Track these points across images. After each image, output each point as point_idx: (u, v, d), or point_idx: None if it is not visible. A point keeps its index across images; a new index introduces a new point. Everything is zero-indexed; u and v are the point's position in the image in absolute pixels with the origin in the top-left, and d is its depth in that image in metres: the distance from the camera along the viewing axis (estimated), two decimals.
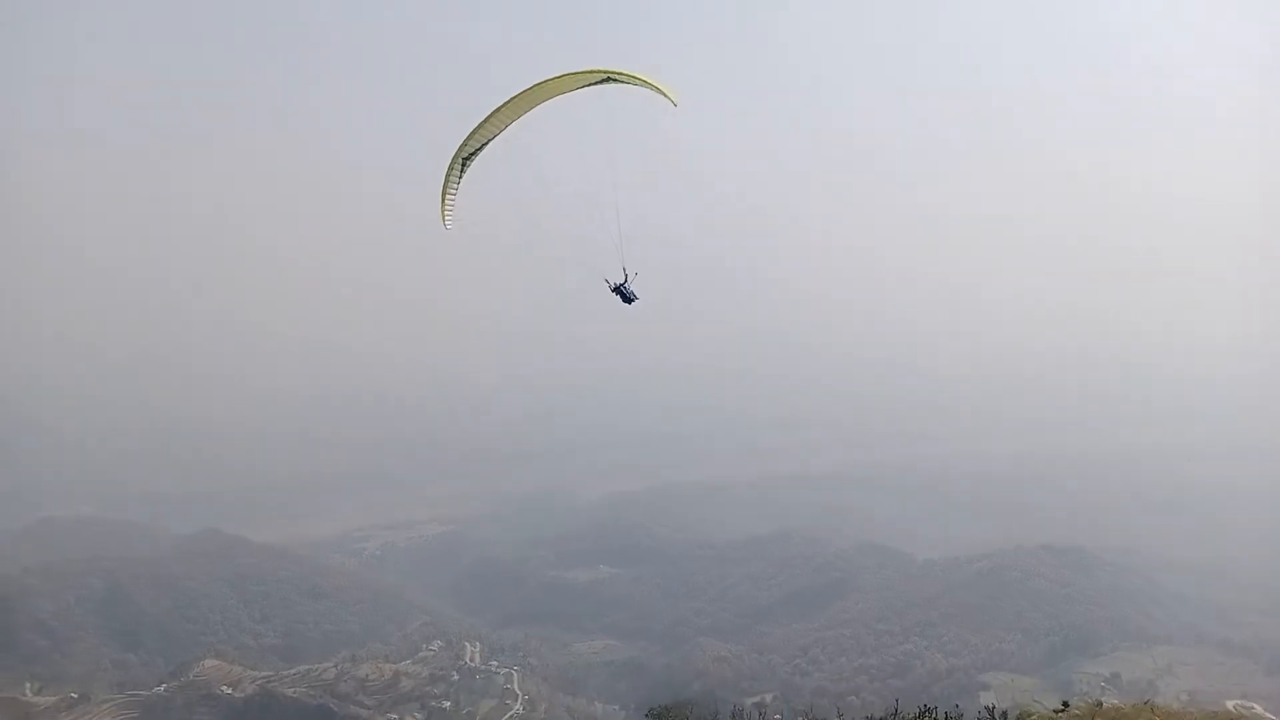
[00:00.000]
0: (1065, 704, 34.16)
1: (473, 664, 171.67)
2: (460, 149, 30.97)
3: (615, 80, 29.86)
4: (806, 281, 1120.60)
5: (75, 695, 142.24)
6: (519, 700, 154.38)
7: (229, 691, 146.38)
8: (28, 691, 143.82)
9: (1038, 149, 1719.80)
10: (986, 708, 43.21)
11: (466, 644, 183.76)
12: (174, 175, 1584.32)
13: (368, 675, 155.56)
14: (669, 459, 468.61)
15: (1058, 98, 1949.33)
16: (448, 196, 31.87)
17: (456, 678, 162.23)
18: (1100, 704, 33.99)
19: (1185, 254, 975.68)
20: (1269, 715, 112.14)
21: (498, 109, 29.93)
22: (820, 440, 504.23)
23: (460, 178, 31.81)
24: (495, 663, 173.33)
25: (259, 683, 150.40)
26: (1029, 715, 34.94)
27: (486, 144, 31.33)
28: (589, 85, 29.65)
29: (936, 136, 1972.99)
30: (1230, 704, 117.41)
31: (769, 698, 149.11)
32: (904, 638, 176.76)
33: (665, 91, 30.15)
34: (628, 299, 36.22)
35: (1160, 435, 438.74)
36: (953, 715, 38.80)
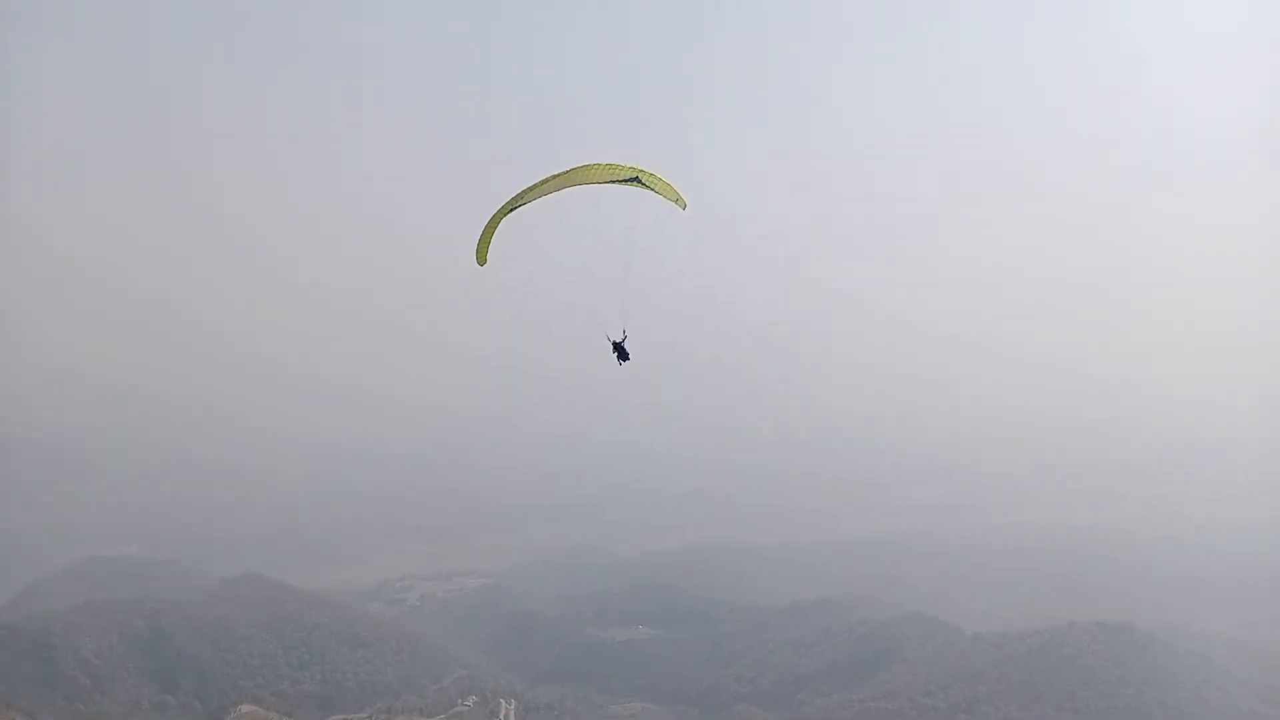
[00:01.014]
0: None
1: None
2: (502, 206, 33.89)
3: (640, 183, 33.65)
4: (853, 345, 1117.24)
5: None
6: None
7: None
8: None
9: (1085, 206, 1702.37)
10: None
11: (502, 700, 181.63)
12: (217, 216, 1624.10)
13: None
14: (709, 519, 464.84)
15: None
16: (489, 240, 34.85)
17: None
18: None
19: (1243, 324, 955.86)
20: None
21: (534, 185, 33.36)
22: (866, 505, 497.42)
23: (495, 227, 34.61)
24: None
25: None
26: None
27: (522, 205, 34.13)
28: (617, 182, 33.33)
29: (973, 190, 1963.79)
30: None
31: None
32: (950, 714, 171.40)
33: (679, 197, 34.36)
34: (624, 356, 39.61)
35: (1219, 510, 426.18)
36: None
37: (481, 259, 35.46)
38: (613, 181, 33.12)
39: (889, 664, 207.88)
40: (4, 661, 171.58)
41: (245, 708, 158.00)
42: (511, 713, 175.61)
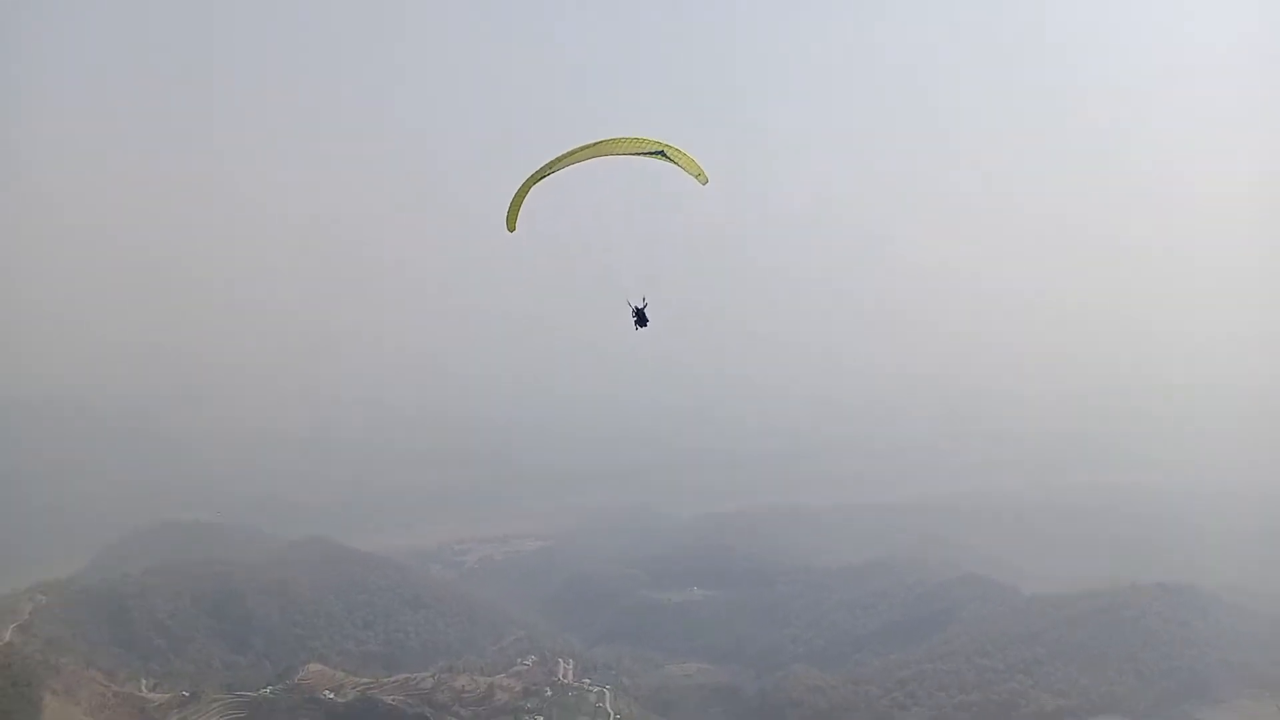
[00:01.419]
0: None
1: (565, 681, 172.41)
2: (532, 175, 35.12)
3: (665, 156, 34.86)
4: (912, 306, 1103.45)
5: (187, 694, 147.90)
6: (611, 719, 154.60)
7: (331, 696, 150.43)
8: (143, 688, 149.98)
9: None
10: None
11: (560, 660, 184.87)
12: (279, 190, 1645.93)
13: (464, 687, 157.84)
14: (764, 481, 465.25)
15: None
16: (519, 207, 36.29)
17: (549, 694, 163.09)
18: None
19: None
20: None
21: (564, 155, 34.57)
22: (921, 467, 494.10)
23: (526, 194, 35.96)
24: (588, 680, 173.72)
25: (360, 689, 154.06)
26: None
27: (551, 174, 35.43)
28: (644, 154, 34.59)
29: (1040, 160, 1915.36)
30: None
31: None
32: (1008, 675, 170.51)
33: (701, 171, 35.49)
34: (643, 323, 40.34)
35: None
36: None
37: (511, 225, 36.84)
38: (639, 154, 34.17)
39: (945, 625, 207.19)
40: (83, 623, 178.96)
41: (313, 667, 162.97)
42: (570, 672, 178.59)
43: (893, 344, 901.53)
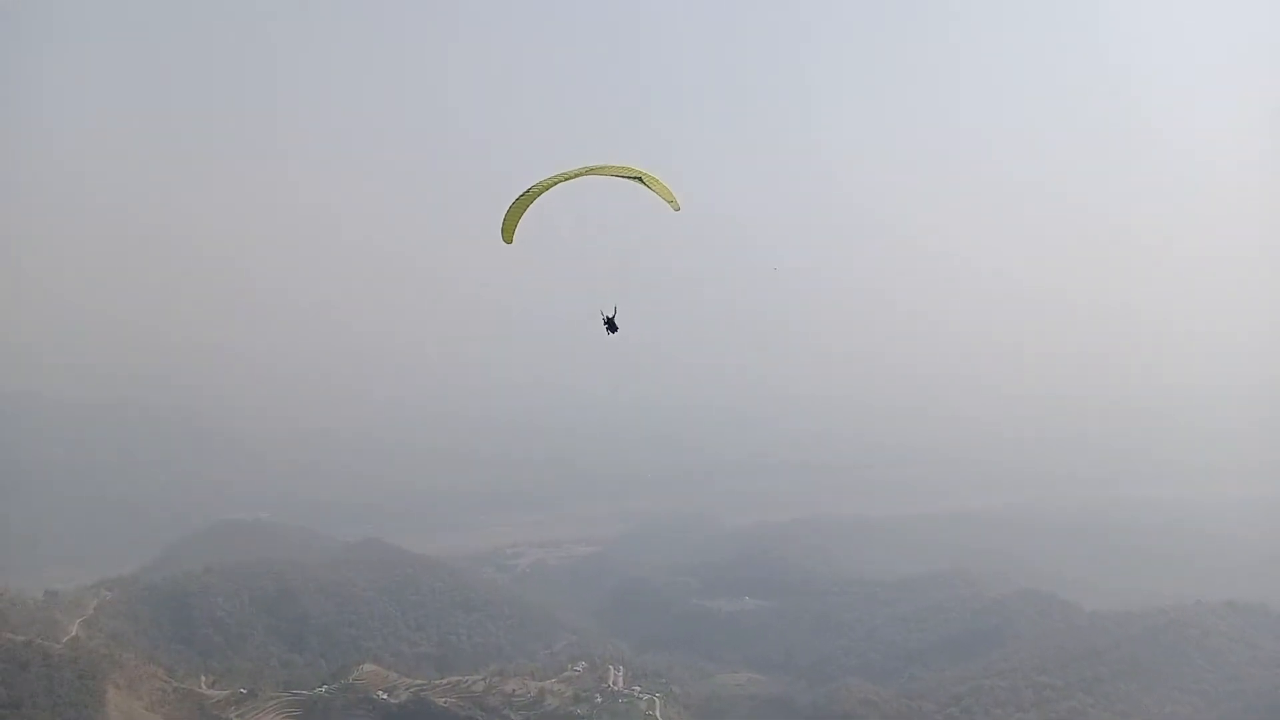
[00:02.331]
0: None
1: (616, 687, 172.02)
2: (528, 191, 37.99)
3: (642, 182, 37.90)
4: (969, 314, 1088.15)
5: (244, 690, 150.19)
6: None
7: (385, 697, 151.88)
8: (203, 684, 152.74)
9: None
10: None
11: (610, 667, 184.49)
12: (337, 199, 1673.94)
13: (514, 690, 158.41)
14: (818, 491, 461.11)
15: None
16: (516, 221, 38.82)
17: (599, 700, 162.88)
18: None
19: None
20: None
21: (557, 175, 37.71)
22: (979, 478, 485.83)
23: (524, 210, 38.65)
24: (638, 688, 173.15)
25: (413, 690, 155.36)
26: None
27: (545, 191, 38.21)
28: (624, 178, 37.60)
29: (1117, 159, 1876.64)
30: None
31: None
32: (1068, 693, 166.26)
33: (673, 199, 38.50)
34: (613, 329, 43.49)
35: None
36: None
37: (508, 238, 39.50)
38: (621, 177, 37.62)
39: (1003, 641, 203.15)
40: (145, 619, 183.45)
41: (367, 667, 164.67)
42: (620, 679, 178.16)
43: (949, 352, 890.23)
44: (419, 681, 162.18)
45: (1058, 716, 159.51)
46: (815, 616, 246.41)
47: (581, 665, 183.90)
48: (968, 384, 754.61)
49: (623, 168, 37.45)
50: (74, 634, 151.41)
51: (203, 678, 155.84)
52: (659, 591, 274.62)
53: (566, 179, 37.25)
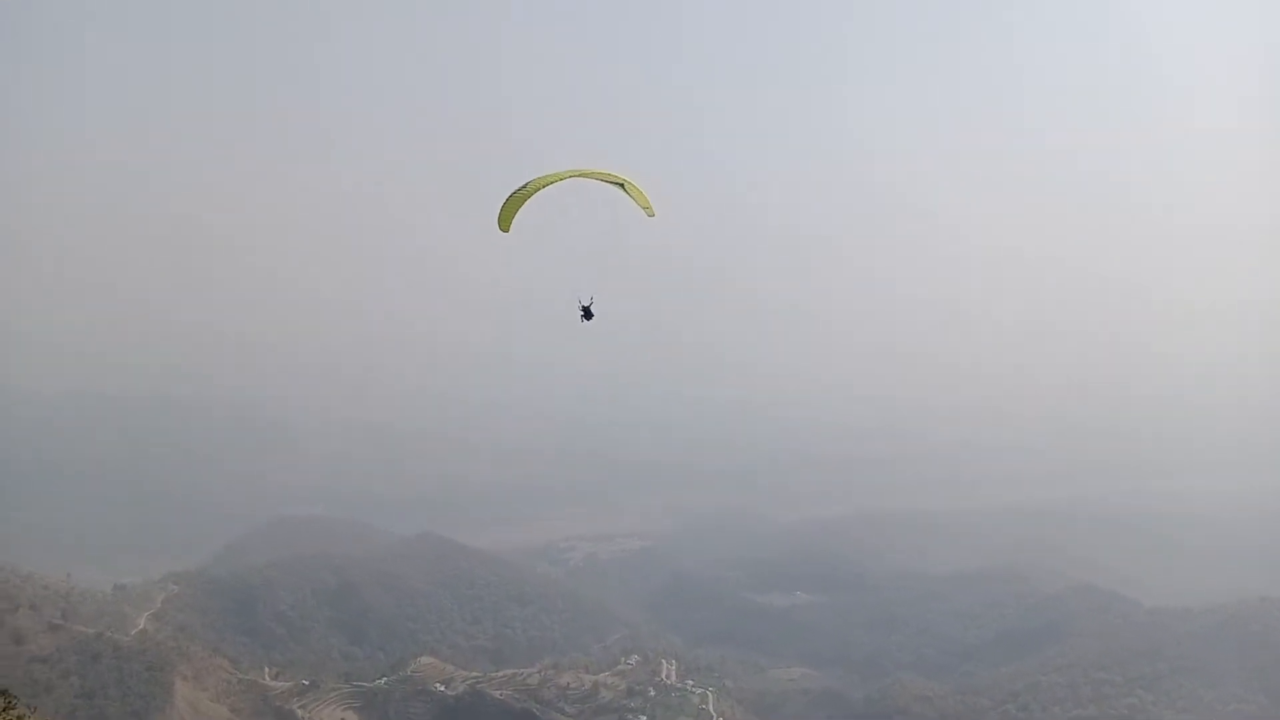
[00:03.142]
0: None
1: (669, 681, 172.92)
2: (525, 187, 40.36)
3: (624, 189, 40.19)
4: (1023, 305, 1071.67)
5: (306, 682, 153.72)
6: None
7: (442, 689, 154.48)
8: (266, 675, 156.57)
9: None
10: None
11: (663, 660, 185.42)
12: (388, 201, 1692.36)
13: (569, 684, 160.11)
14: (870, 485, 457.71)
15: None
16: (513, 214, 40.97)
17: (653, 694, 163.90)
18: None
19: None
20: None
21: (551, 174, 40.19)
22: (1035, 472, 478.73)
23: (520, 205, 40.88)
24: (691, 682, 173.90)
25: (469, 682, 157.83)
26: None
27: (541, 189, 40.56)
28: (608, 183, 40.02)
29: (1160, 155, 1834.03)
30: None
31: None
32: (1127, 690, 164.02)
33: (649, 206, 40.34)
34: (588, 316, 44.80)
35: None
36: None
37: (505, 227, 41.55)
38: (607, 181, 40.21)
39: (1060, 637, 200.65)
40: (211, 611, 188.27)
41: (424, 659, 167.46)
42: (672, 672, 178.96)
43: (1002, 344, 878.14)
44: (475, 674, 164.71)
45: (1117, 714, 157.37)
46: (869, 611, 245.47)
47: (634, 659, 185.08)
48: (1023, 376, 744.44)
49: (608, 174, 39.95)
50: (142, 627, 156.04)
51: (266, 669, 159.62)
52: (710, 586, 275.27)
53: (559, 179, 39.73)
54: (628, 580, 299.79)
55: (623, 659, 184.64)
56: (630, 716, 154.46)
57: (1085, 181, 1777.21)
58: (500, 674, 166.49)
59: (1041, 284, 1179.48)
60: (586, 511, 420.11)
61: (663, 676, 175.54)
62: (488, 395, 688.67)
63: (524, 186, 40.21)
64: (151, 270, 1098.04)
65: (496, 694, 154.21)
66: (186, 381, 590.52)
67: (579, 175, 40.20)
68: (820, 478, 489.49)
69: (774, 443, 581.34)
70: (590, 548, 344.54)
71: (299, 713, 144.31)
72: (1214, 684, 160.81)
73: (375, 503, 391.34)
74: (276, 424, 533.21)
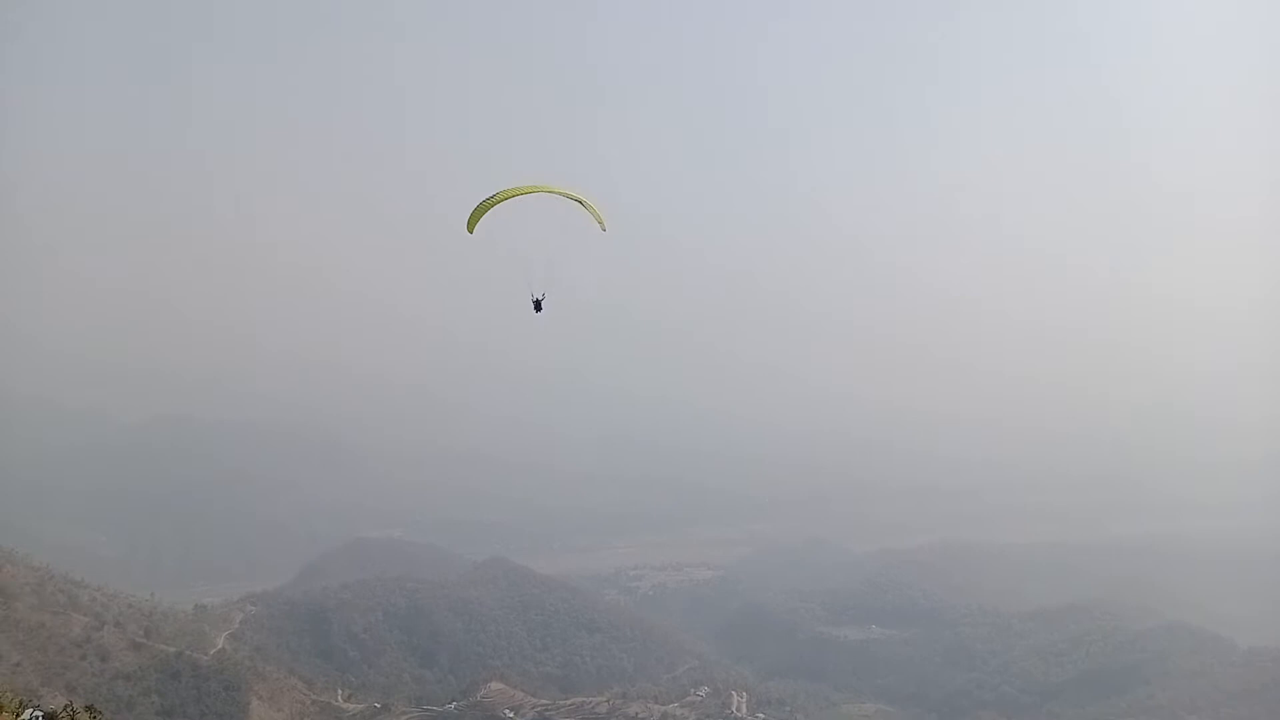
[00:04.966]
0: None
1: (739, 714, 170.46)
2: (493, 196, 43.18)
3: (582, 204, 43.74)
4: (1114, 331, 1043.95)
5: (378, 705, 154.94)
6: None
7: (511, 715, 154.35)
8: (339, 698, 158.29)
9: None
10: None
11: (734, 693, 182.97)
12: (442, 205, 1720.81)
13: (637, 713, 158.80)
14: (948, 516, 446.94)
15: None
16: (478, 218, 43.86)
17: None
18: None
19: None
20: None
21: (520, 187, 43.33)
22: (1122, 504, 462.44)
23: (486, 210, 43.74)
24: (762, 715, 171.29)
25: (538, 709, 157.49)
26: None
27: (509, 199, 43.47)
28: (567, 199, 43.58)
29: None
30: None
31: None
32: None
33: (601, 220, 43.80)
34: (538, 309, 47.12)
35: None
36: None
37: (471, 229, 44.41)
38: (568, 198, 43.83)
39: (1149, 677, 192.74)
40: (286, 632, 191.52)
41: (494, 685, 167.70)
42: (743, 705, 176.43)
43: (1087, 368, 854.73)
44: (544, 701, 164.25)
45: None
46: (947, 647, 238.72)
47: (704, 690, 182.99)
48: (1109, 403, 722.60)
49: (568, 191, 43.73)
50: (220, 646, 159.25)
51: (339, 691, 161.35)
52: (782, 617, 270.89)
53: (524, 193, 43.04)
54: (697, 610, 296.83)
55: (692, 690, 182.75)
56: None
57: (1202, 193, 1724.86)
58: (569, 702, 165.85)
59: (1142, 311, 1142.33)
60: (656, 539, 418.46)
61: (733, 709, 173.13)
62: (562, 421, 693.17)
63: (492, 195, 43.40)
64: (240, 298, 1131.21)
65: None
66: (272, 407, 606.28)
67: (543, 191, 43.39)
68: (897, 508, 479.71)
69: (850, 471, 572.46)
70: (659, 576, 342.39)
71: None
72: None
73: (451, 527, 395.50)
74: (360, 449, 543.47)
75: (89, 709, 50.54)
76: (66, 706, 48.46)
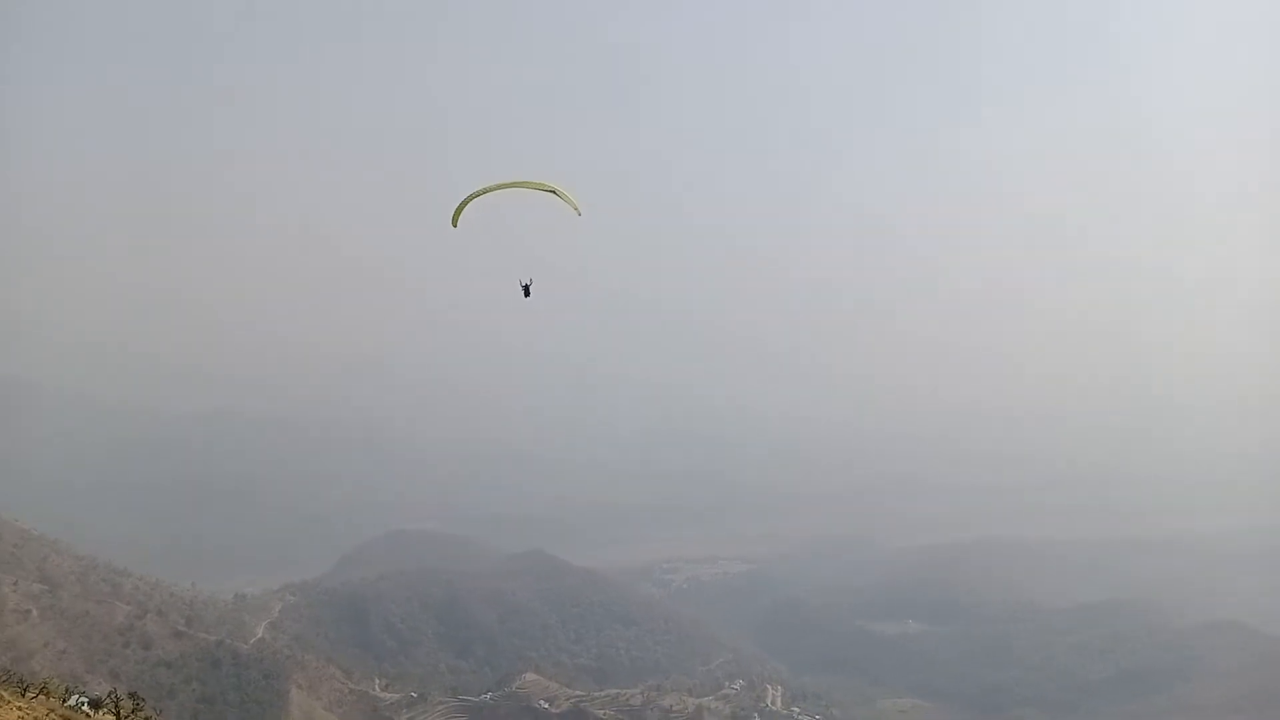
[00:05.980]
0: None
1: (774, 707, 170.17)
2: (475, 192, 44.34)
3: (556, 194, 44.71)
4: (1157, 326, 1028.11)
5: (415, 695, 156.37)
6: None
7: (546, 706, 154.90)
8: (376, 687, 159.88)
9: None
10: None
11: (768, 686, 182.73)
12: (520, 223, 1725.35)
13: (671, 706, 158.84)
14: (987, 512, 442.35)
15: None
16: (460, 212, 45.35)
17: (758, 719, 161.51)
18: None
19: None
20: None
21: (494, 184, 44.54)
22: (1163, 500, 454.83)
23: (466, 205, 45.05)
24: (797, 709, 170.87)
25: (573, 700, 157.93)
26: None
27: (488, 194, 44.69)
28: (544, 191, 44.38)
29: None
30: None
31: None
32: None
33: (576, 205, 44.79)
34: (526, 294, 48.73)
35: None
36: None
37: (454, 223, 45.85)
38: (542, 190, 44.55)
39: (1191, 675, 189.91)
40: (325, 622, 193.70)
41: (529, 676, 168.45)
42: (778, 699, 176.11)
43: (1132, 367, 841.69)
44: (579, 692, 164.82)
45: None
46: (985, 643, 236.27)
47: (739, 683, 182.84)
48: (1152, 401, 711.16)
49: (541, 184, 44.73)
50: (260, 635, 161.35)
51: (376, 680, 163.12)
52: (817, 612, 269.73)
53: (501, 189, 44.45)
54: (731, 603, 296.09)
55: (727, 683, 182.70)
56: None
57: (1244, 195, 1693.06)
58: (603, 693, 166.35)
59: (1189, 312, 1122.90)
60: (692, 533, 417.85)
61: (768, 702, 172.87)
62: (598, 417, 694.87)
63: (472, 193, 44.68)
64: (283, 297, 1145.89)
65: (600, 713, 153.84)
66: (314, 401, 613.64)
67: (517, 186, 44.76)
68: (935, 503, 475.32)
69: (888, 466, 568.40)
70: (693, 569, 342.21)
71: None
72: None
73: (488, 519, 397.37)
74: (398, 442, 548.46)
75: (132, 696, 51.40)
76: (110, 693, 49.34)
